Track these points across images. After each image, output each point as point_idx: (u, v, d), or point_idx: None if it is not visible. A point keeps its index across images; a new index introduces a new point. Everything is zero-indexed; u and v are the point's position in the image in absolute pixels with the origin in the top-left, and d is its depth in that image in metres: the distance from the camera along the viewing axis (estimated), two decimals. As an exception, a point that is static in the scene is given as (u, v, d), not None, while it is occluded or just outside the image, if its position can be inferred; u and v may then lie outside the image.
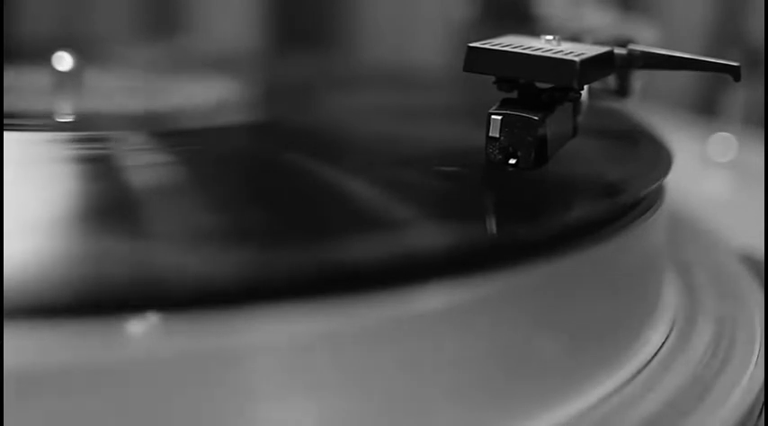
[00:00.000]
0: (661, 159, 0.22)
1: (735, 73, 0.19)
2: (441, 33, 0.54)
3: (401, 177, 0.20)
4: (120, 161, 0.21)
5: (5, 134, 0.22)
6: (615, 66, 0.20)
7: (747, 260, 0.25)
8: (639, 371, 0.18)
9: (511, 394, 0.16)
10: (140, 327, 0.13)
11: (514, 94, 0.19)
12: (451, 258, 0.15)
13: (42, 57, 0.29)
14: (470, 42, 0.19)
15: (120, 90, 0.30)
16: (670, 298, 0.21)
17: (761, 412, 0.18)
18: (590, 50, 0.19)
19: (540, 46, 0.19)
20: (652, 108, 0.34)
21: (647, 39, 0.24)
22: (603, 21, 0.30)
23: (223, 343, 0.14)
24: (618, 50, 0.20)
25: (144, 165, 0.21)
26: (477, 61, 0.19)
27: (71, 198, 0.18)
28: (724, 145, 0.39)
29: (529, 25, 0.30)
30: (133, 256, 0.15)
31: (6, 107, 0.26)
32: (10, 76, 0.29)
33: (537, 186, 0.19)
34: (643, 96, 0.24)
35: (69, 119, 0.27)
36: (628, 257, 0.19)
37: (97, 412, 0.13)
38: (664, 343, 0.20)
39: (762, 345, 0.20)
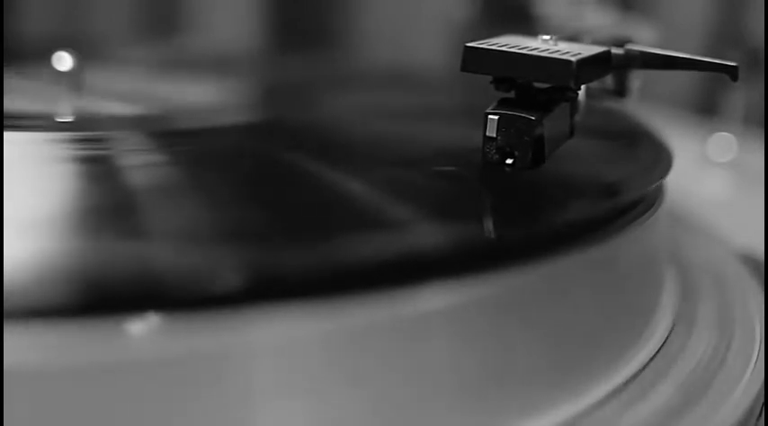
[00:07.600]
0: (661, 159, 0.22)
1: (732, 73, 0.19)
2: (441, 33, 0.54)
3: (398, 177, 0.20)
4: (120, 161, 0.21)
5: (5, 134, 0.22)
6: (613, 66, 0.20)
7: (747, 260, 0.25)
8: (640, 371, 0.18)
9: (511, 394, 0.16)
10: (140, 327, 0.13)
11: (512, 94, 0.19)
12: (449, 259, 0.15)
13: (42, 57, 0.29)
14: (468, 42, 0.19)
15: (120, 90, 0.30)
16: (670, 298, 0.21)
17: (761, 412, 0.18)
18: (587, 50, 0.19)
19: (537, 46, 0.19)
20: (652, 108, 0.34)
21: (646, 40, 0.24)
22: (603, 21, 0.30)
23: (223, 343, 0.14)
24: (615, 50, 0.20)
25: (143, 165, 0.21)
26: (475, 61, 0.19)
27: (71, 198, 0.18)
28: (724, 145, 0.39)
29: (529, 25, 0.30)
30: (132, 256, 0.15)
31: (6, 107, 0.26)
32: (10, 76, 0.29)
33: (534, 186, 0.19)
34: (641, 96, 0.24)
35: (69, 119, 0.27)
36: (628, 257, 0.19)
37: (97, 412, 0.13)
38: (664, 343, 0.20)
39: (762, 345, 0.20)
